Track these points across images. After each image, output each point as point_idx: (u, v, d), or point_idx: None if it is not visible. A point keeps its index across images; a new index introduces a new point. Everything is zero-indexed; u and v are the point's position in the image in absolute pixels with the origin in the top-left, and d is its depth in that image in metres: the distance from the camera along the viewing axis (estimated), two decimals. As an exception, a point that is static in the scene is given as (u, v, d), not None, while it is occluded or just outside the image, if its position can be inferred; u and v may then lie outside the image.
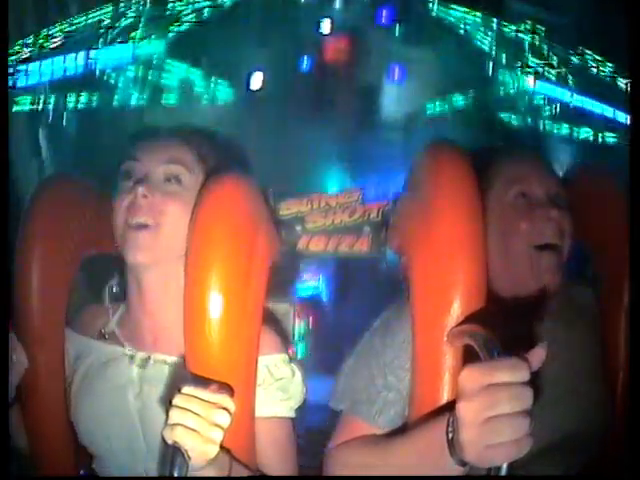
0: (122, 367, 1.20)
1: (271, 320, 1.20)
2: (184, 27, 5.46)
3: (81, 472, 1.29)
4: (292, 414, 1.18)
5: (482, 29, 5.55)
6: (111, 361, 1.21)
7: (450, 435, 0.85)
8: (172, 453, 0.88)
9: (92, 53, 5.15)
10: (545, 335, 1.09)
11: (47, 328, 1.22)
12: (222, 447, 0.93)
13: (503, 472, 0.76)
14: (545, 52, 5.39)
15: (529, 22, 5.33)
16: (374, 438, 1.10)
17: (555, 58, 5.41)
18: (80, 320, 1.31)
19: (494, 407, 0.76)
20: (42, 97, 5.05)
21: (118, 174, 1.20)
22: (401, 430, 1.07)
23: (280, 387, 1.15)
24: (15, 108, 4.78)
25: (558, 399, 1.16)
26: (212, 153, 1.22)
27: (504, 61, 5.51)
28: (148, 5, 5.35)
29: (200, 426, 0.88)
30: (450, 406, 0.88)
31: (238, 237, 1.04)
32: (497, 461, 0.76)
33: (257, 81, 5.37)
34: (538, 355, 0.82)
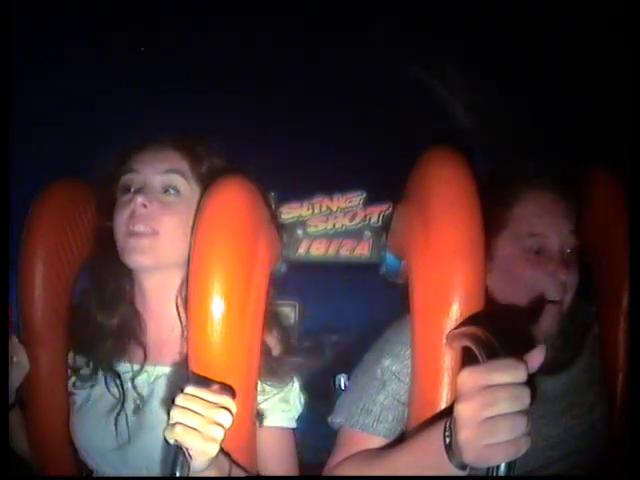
0: (122, 385, 1.19)
1: (273, 325, 1.20)
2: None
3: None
4: (294, 424, 1.19)
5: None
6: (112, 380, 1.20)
7: (447, 440, 0.85)
8: (174, 452, 0.88)
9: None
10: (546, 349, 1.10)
11: (49, 330, 1.22)
12: (223, 450, 0.93)
13: (501, 472, 0.77)
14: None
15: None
16: (373, 452, 1.09)
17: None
18: None
19: (492, 407, 0.76)
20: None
21: (118, 188, 1.21)
22: (400, 439, 1.07)
23: (282, 397, 1.16)
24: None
25: (560, 413, 1.17)
26: (208, 160, 1.23)
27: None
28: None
29: (201, 425, 0.88)
30: (447, 412, 0.89)
31: (240, 241, 1.04)
32: (495, 461, 0.77)
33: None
34: (537, 357, 0.82)
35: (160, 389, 1.17)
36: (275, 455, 1.15)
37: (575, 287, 1.20)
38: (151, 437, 1.13)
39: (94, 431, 1.18)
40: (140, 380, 1.19)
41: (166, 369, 1.19)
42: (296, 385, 1.20)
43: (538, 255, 1.19)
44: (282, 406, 1.16)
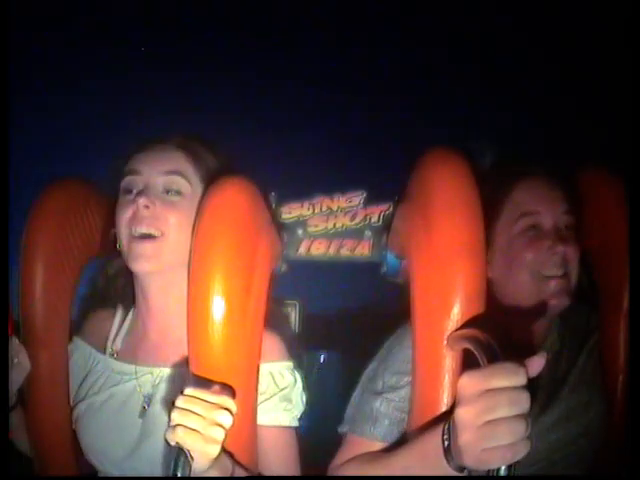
0: (129, 387, 1.20)
1: (275, 326, 1.20)
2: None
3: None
4: (295, 423, 1.18)
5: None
6: (119, 381, 1.21)
7: (446, 443, 0.86)
8: (175, 454, 0.88)
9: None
10: (547, 351, 1.10)
11: (51, 331, 1.22)
12: (225, 450, 0.93)
13: (501, 474, 0.77)
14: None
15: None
16: (374, 455, 1.11)
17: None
18: (87, 327, 1.32)
19: (492, 411, 0.77)
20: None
21: (119, 190, 1.21)
22: (400, 441, 1.07)
23: (284, 396, 1.16)
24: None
25: (559, 416, 1.18)
26: (210, 160, 1.23)
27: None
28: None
29: (201, 426, 0.88)
30: (446, 415, 0.89)
31: (240, 242, 1.04)
32: (494, 464, 0.77)
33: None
34: (537, 362, 0.83)
35: (164, 391, 1.17)
36: (277, 455, 1.15)
37: (577, 262, 1.21)
38: (155, 441, 1.12)
39: (101, 434, 1.18)
40: (144, 380, 1.19)
41: (170, 370, 1.18)
42: (299, 383, 1.20)
43: (533, 234, 1.20)
44: (284, 405, 1.15)
